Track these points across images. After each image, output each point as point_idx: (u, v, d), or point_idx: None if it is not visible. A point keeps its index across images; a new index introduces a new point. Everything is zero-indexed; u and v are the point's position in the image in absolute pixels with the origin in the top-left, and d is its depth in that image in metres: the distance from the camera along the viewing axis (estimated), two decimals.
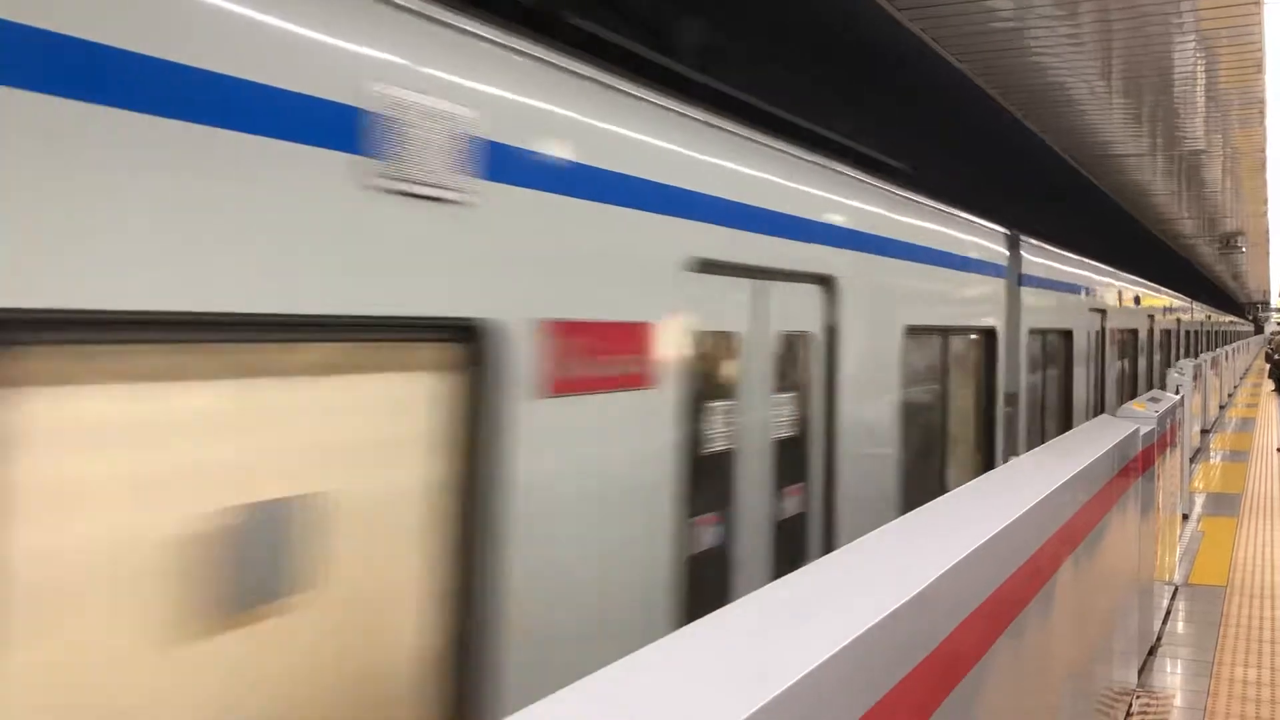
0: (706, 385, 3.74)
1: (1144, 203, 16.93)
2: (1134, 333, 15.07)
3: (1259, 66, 7.43)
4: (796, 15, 6.24)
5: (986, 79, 7.90)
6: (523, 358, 2.72)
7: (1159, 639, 6.22)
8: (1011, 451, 7.42)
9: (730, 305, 3.92)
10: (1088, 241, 13.11)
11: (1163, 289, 19.53)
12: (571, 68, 3.05)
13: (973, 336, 7.08)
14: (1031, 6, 6.23)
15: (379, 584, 2.45)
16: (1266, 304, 63.88)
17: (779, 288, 4.21)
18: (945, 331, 6.40)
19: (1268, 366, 30.14)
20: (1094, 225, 17.98)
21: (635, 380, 3.20)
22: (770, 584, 1.99)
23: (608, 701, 1.39)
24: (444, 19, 2.57)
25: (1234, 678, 5.58)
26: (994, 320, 7.37)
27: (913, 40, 6.67)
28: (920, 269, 5.89)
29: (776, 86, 5.86)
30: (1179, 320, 21.50)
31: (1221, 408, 21.70)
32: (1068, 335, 10.04)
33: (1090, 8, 6.30)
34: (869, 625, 1.74)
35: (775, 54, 6.62)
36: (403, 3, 2.44)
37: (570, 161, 2.96)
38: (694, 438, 3.62)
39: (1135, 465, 5.10)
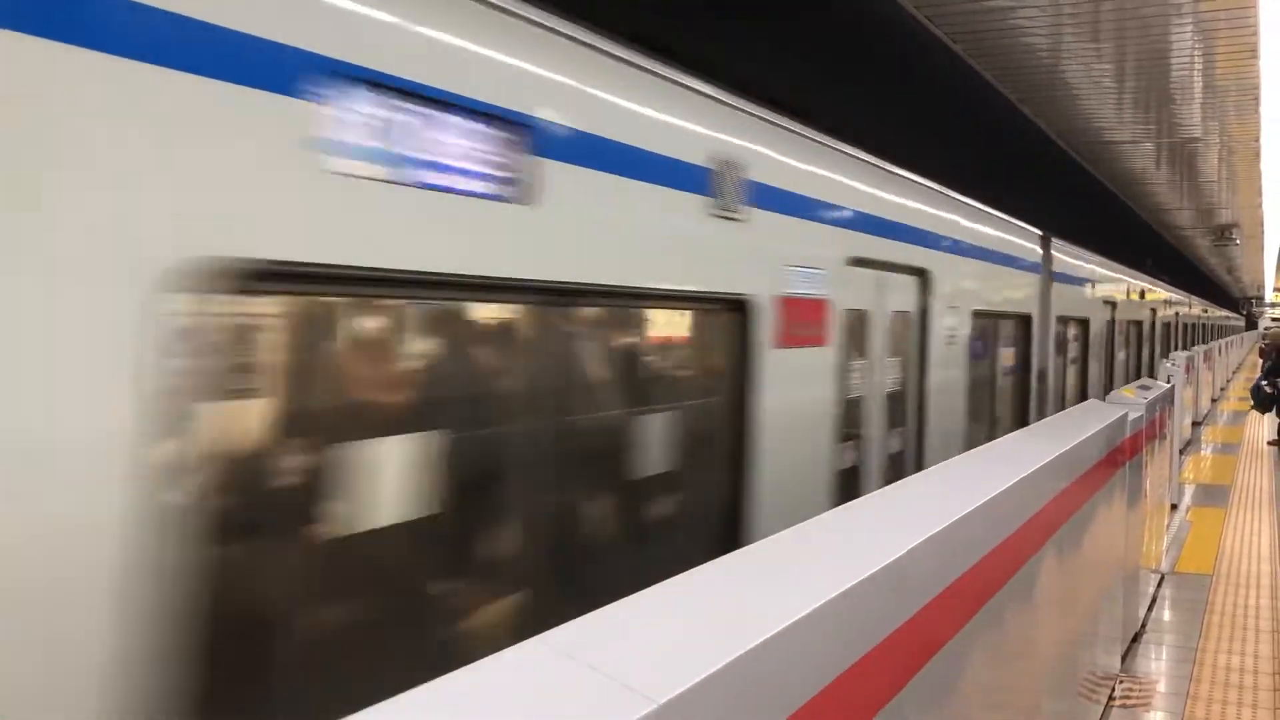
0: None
1: (1139, 192, 16.89)
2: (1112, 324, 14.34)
3: (1253, 52, 7.38)
4: None
5: (981, 61, 7.84)
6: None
7: (1144, 625, 6.22)
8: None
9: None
10: (1082, 230, 13.04)
11: (1150, 278, 18.12)
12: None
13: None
14: None
15: None
16: (1260, 299, 63.92)
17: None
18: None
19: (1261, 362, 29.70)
20: (1088, 213, 17.95)
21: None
22: (744, 547, 1.96)
23: (575, 657, 1.35)
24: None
25: (1217, 664, 5.57)
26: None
27: (907, 19, 6.61)
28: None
29: (763, 64, 5.80)
30: (1153, 312, 19.13)
31: (1214, 401, 21.74)
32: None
33: None
34: (841, 590, 1.71)
35: (762, 31, 6.55)
36: None
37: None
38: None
39: (1122, 451, 5.08)
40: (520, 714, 1.21)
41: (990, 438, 5.85)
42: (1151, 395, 6.41)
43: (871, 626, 1.86)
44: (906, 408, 6.16)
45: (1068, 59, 7.99)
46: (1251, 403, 15.18)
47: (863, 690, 1.82)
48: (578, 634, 1.44)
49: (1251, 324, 65.87)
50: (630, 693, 1.24)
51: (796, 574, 1.83)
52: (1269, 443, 15.07)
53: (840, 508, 2.42)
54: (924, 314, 6.26)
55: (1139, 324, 17.02)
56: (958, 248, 6.92)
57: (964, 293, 7.01)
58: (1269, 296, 57.75)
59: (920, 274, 6.18)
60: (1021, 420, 8.98)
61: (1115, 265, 14.20)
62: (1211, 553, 8.15)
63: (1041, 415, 9.06)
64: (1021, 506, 3.02)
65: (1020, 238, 8.78)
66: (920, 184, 6.38)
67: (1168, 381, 8.77)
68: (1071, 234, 11.41)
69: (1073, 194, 16.05)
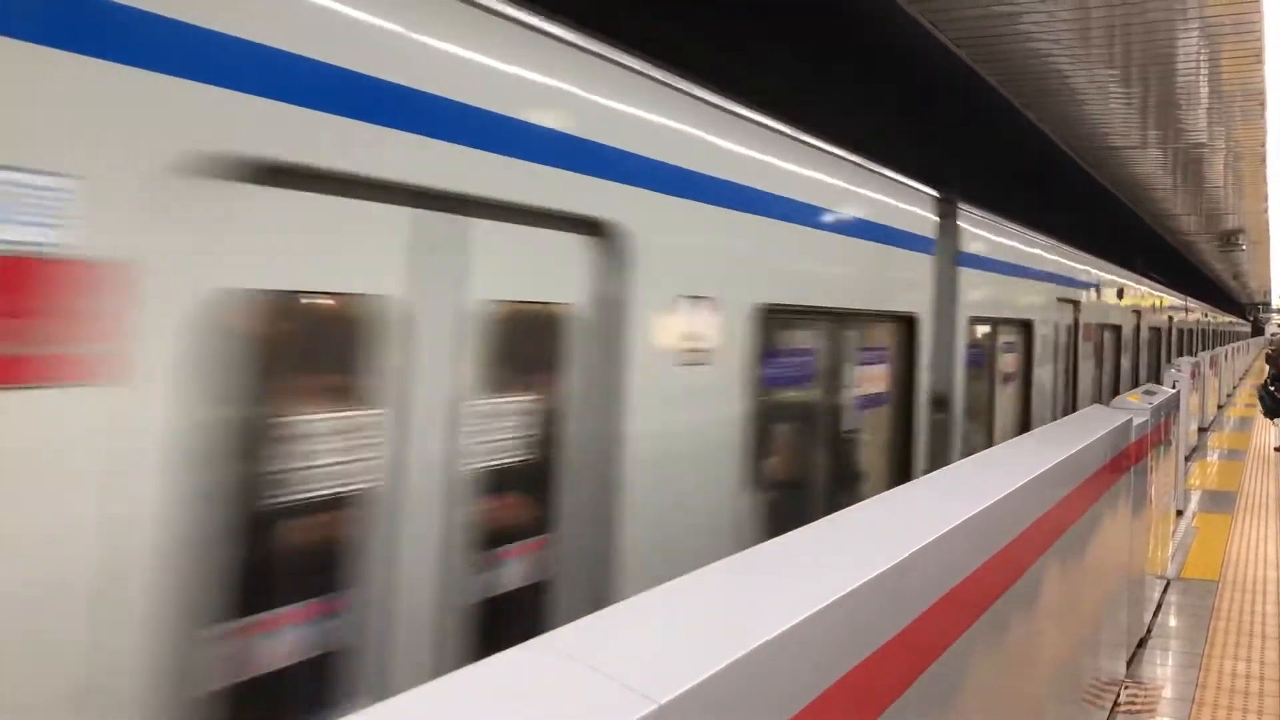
0: None
1: (1145, 197, 16.86)
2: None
3: (1258, 57, 7.38)
4: None
5: (985, 65, 7.84)
6: None
7: (1149, 631, 6.20)
8: None
9: None
10: (1086, 235, 13.01)
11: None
12: None
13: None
14: None
15: None
16: (1267, 305, 63.71)
17: None
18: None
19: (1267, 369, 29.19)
20: (1092, 219, 17.93)
21: None
22: (743, 551, 1.96)
23: (575, 658, 1.36)
24: None
25: (1223, 670, 5.56)
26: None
27: (909, 22, 6.61)
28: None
29: (765, 69, 5.79)
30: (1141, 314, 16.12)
31: (1220, 407, 21.67)
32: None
33: None
34: (842, 593, 1.71)
35: (764, 35, 6.55)
36: None
37: None
38: None
39: (1127, 456, 5.07)
40: (520, 714, 1.22)
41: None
42: (1156, 400, 6.39)
43: (874, 629, 1.86)
44: (552, 497, 3.29)
45: (1072, 64, 7.98)
46: (1260, 408, 15.28)
47: (864, 693, 1.82)
48: (579, 634, 1.45)
49: (1258, 330, 65.63)
50: (631, 693, 1.24)
51: (798, 576, 1.83)
52: (1276, 449, 15.03)
53: (842, 511, 2.40)
54: (612, 309, 3.43)
55: (1116, 330, 13.95)
56: (710, 192, 3.97)
57: (730, 273, 4.15)
58: (1276, 302, 57.61)
59: (596, 231, 3.38)
60: (900, 475, 5.95)
61: (1078, 253, 10.92)
62: (1218, 559, 8.12)
63: (943, 462, 5.86)
64: (1025, 511, 3.02)
65: (886, 193, 5.81)
66: (597, 54, 3.43)
67: (1173, 387, 8.75)
68: (1076, 238, 11.27)
69: (1078, 199, 16.03)
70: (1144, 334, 16.81)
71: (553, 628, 1.47)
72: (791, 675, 1.55)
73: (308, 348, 2.63)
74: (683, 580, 1.71)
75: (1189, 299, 25.28)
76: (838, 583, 1.74)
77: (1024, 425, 8.69)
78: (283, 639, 2.44)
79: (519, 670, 1.32)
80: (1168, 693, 5.27)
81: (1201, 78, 8.36)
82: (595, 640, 1.42)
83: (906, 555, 1.99)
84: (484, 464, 2.99)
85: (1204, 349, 25.90)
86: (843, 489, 5.39)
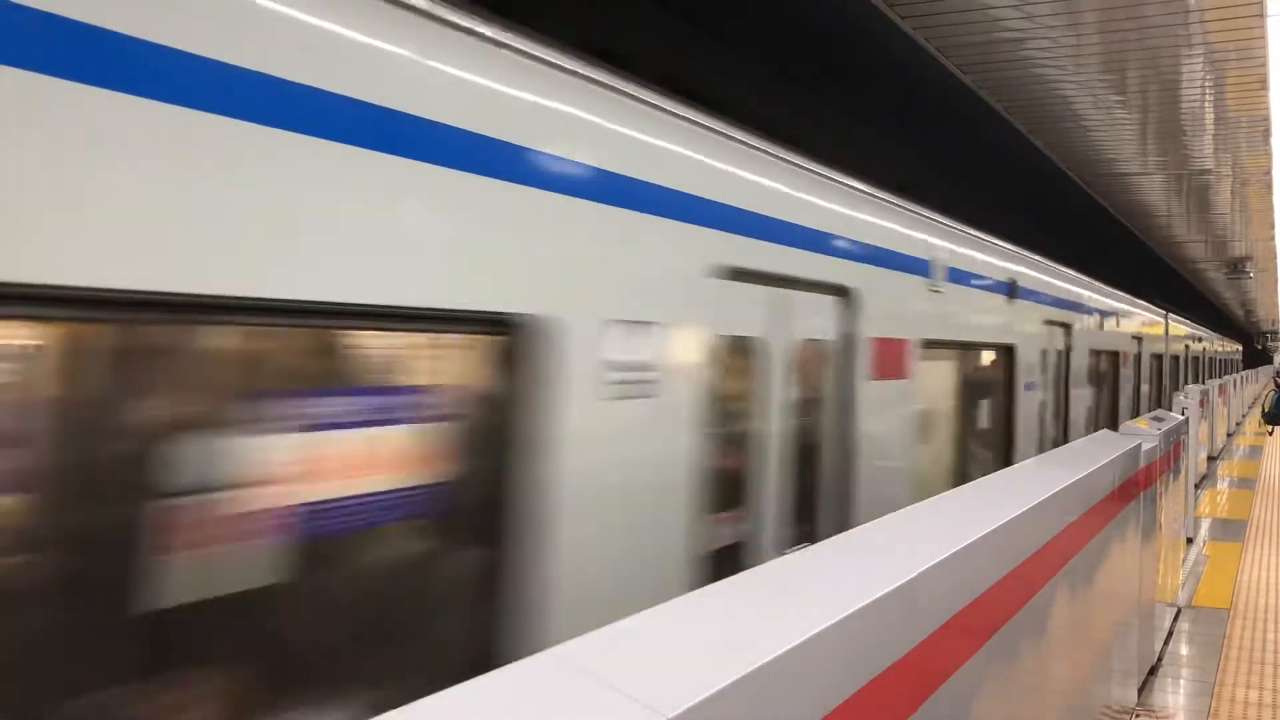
0: None
1: (1151, 224, 16.89)
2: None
3: (1263, 83, 7.40)
4: (796, 23, 6.21)
5: (991, 92, 7.88)
6: None
7: (1160, 659, 6.13)
8: None
9: None
10: (1093, 263, 13.00)
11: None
12: None
13: None
14: (1037, 16, 6.20)
15: None
16: (1275, 334, 63.29)
17: None
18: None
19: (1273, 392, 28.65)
20: (1100, 247, 17.93)
21: None
22: (742, 573, 1.95)
23: (584, 669, 1.35)
24: None
25: (1235, 698, 5.49)
26: None
27: (917, 50, 6.65)
28: None
29: (774, 96, 5.82)
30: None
31: (1229, 435, 21.55)
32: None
33: (1096, 19, 6.28)
34: (849, 612, 1.70)
35: (772, 62, 6.59)
36: None
37: None
38: None
39: (1135, 482, 5.04)
40: None
41: None
42: (1165, 426, 6.36)
43: (882, 650, 1.84)
44: None
45: (1078, 90, 8.02)
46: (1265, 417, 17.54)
47: (872, 713, 1.80)
48: (588, 647, 1.44)
49: (1264, 359, 65.05)
50: (639, 706, 1.24)
51: (807, 594, 1.82)
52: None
53: (851, 530, 2.40)
54: None
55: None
56: None
57: None
58: None
59: None
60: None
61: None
62: (1228, 587, 8.05)
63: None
64: (1034, 534, 2.99)
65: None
66: None
67: (1182, 414, 8.70)
68: (1081, 265, 11.24)
69: (1085, 226, 16.04)
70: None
71: None
72: (799, 692, 1.54)
73: None
74: (691, 596, 1.70)
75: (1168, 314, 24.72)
76: (846, 601, 1.73)
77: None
78: None
79: (526, 682, 1.32)
80: None
81: (1206, 104, 8.39)
82: (604, 653, 1.42)
83: (915, 575, 1.98)
84: None
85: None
86: None
